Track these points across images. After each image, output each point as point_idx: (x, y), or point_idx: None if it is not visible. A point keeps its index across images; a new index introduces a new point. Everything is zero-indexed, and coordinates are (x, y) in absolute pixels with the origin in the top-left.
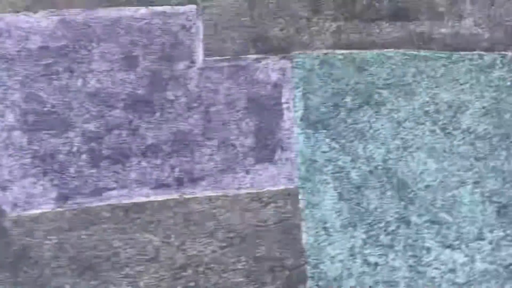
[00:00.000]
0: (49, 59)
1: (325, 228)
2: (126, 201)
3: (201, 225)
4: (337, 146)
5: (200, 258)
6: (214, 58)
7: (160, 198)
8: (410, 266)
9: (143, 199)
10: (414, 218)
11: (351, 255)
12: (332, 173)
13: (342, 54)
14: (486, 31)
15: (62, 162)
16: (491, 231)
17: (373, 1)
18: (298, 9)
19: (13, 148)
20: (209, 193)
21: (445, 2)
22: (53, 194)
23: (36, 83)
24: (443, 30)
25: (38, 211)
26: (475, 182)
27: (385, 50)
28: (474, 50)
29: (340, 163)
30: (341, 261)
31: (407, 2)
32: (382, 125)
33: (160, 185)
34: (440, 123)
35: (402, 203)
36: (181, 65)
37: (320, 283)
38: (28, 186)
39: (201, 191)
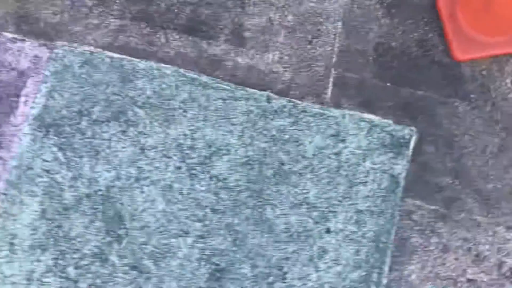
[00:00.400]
0: None
1: (11, 244)
2: None
3: None
4: (62, 158)
5: None
6: None
7: None
8: None
9: None
10: (113, 258)
11: (27, 280)
12: (45, 186)
13: (111, 57)
14: (289, 72)
15: None
16: None
17: (173, 7)
18: None
19: None
20: None
21: (254, 28)
22: None
23: None
24: (239, 59)
25: None
26: (200, 236)
27: (163, 65)
28: (266, 90)
29: (58, 177)
30: (13, 283)
31: (211, 17)
32: (123, 147)
33: None
34: (189, 161)
35: (108, 238)
36: None
37: None
38: None
39: None
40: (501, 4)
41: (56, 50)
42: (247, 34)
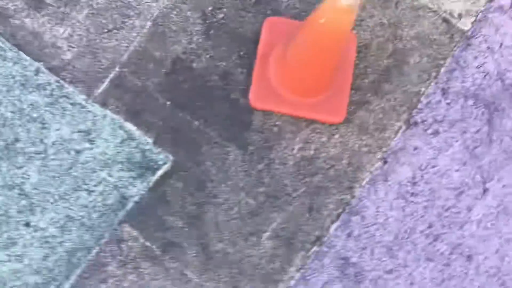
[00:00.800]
0: None
1: None
2: None
3: None
4: None
5: None
6: None
7: None
8: None
9: None
10: None
11: None
12: None
13: None
14: (73, 52)
15: None
16: None
17: None
18: None
19: None
20: None
21: None
22: None
23: None
24: (28, 21)
25: None
26: None
27: None
28: (40, 62)
29: None
30: None
31: None
32: None
33: None
34: None
35: None
36: None
37: None
38: None
39: None
40: (292, 62)
41: None
42: (48, 0)
